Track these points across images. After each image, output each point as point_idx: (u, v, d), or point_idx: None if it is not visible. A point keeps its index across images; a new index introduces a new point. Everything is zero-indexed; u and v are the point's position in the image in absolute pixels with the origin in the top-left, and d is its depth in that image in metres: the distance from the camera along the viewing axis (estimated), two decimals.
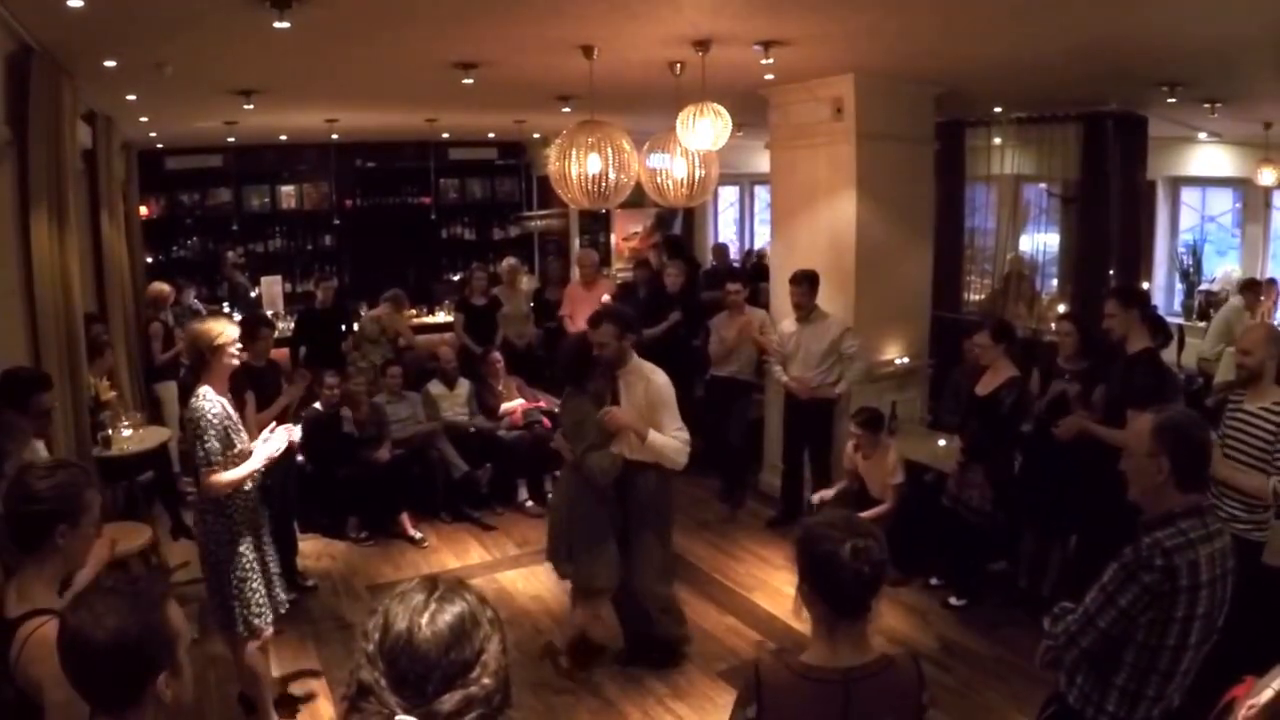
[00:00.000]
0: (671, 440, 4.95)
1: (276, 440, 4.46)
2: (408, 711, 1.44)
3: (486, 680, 1.49)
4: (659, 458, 4.97)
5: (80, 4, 4.20)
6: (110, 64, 5.70)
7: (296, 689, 5.17)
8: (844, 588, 2.25)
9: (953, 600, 6.06)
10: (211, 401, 4.29)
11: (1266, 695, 2.23)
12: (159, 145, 10.94)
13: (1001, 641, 5.56)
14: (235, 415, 4.46)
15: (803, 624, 2.44)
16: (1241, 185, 10.84)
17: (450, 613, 1.51)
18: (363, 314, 10.04)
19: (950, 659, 5.43)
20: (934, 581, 6.31)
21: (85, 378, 5.77)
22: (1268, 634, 3.35)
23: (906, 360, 7.79)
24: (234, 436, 4.37)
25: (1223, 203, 11.67)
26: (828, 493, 6.66)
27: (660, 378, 5.06)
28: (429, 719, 1.44)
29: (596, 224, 12.99)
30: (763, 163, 8.55)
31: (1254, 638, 3.15)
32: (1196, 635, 2.76)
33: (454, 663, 1.48)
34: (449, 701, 1.45)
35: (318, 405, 7.43)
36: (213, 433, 4.24)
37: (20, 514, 2.57)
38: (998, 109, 9.07)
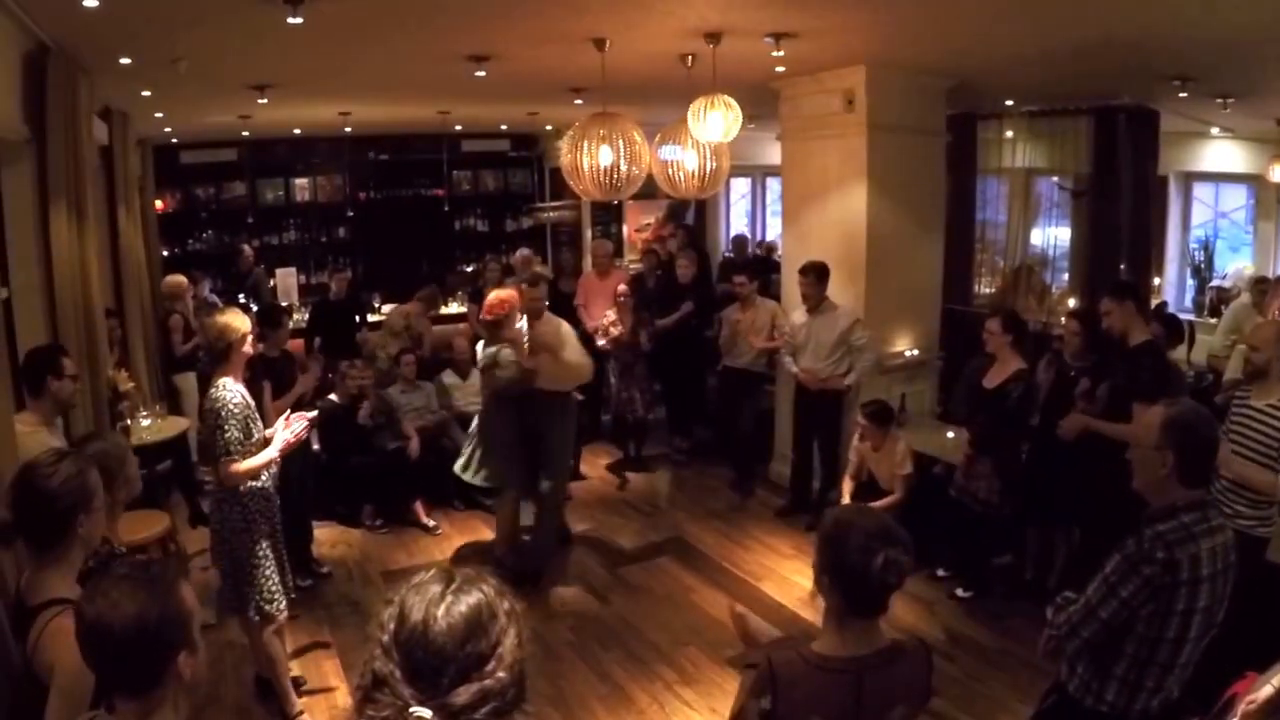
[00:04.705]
0: (577, 356, 6.43)
1: (293, 428, 4.54)
2: (422, 703, 1.42)
3: (502, 674, 1.46)
4: (571, 371, 6.38)
5: (95, 3, 4.25)
6: (126, 61, 5.76)
7: (299, 669, 5.24)
8: (867, 593, 2.27)
9: (959, 592, 6.09)
10: (232, 391, 4.39)
11: (1266, 691, 2.27)
12: (174, 140, 10.98)
13: (1007, 633, 5.59)
14: (254, 404, 4.55)
15: (814, 612, 2.49)
16: (1255, 181, 10.81)
17: (466, 604, 1.48)
18: (382, 307, 10.06)
19: (956, 649, 5.47)
20: (941, 573, 6.34)
21: (105, 370, 5.84)
22: (1270, 630, 3.38)
23: (916, 352, 7.81)
24: (253, 426, 4.46)
25: (1236, 198, 11.62)
26: (847, 485, 6.70)
27: (566, 325, 6.58)
28: (443, 712, 1.42)
29: (608, 215, 12.96)
30: (775, 155, 8.56)
31: (1256, 634, 3.17)
32: (1196, 629, 2.79)
33: (469, 655, 1.45)
34: (464, 694, 1.43)
35: (333, 396, 7.52)
36: (234, 423, 4.33)
37: (38, 517, 2.59)
38: (1009, 102, 9.05)
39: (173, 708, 2.00)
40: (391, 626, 1.48)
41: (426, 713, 1.41)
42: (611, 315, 8.42)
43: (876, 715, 2.34)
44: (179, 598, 1.96)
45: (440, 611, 1.47)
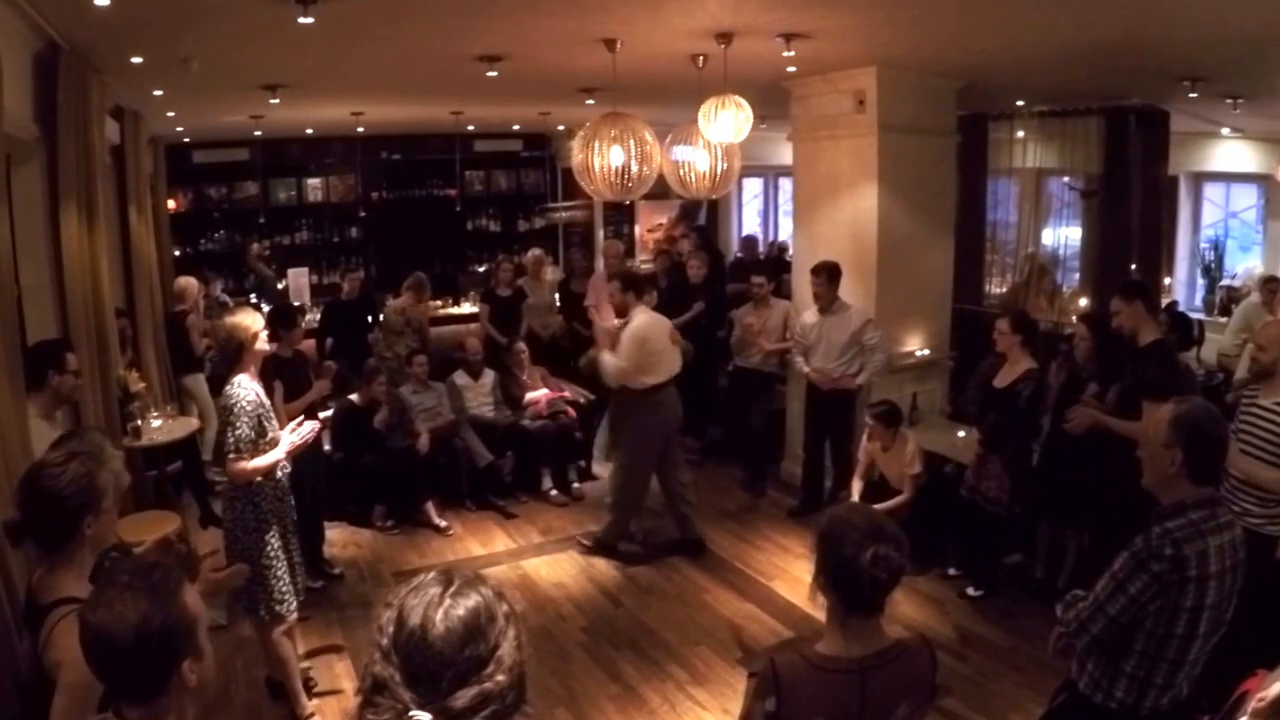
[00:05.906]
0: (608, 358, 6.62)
1: (302, 431, 4.56)
2: (422, 707, 1.42)
3: (501, 677, 1.46)
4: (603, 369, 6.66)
5: (106, 2, 4.26)
6: (137, 60, 5.78)
7: (313, 669, 5.25)
8: (859, 590, 2.27)
9: (970, 591, 6.08)
10: (246, 389, 4.42)
11: (1277, 689, 2.26)
12: (186, 139, 11.02)
13: (1017, 632, 5.58)
14: (269, 403, 4.58)
15: (820, 611, 2.48)
16: (1265, 181, 10.77)
17: (465, 607, 1.48)
18: (387, 304, 10.09)
19: (966, 648, 5.46)
20: (951, 571, 6.34)
21: (115, 369, 5.86)
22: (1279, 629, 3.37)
23: (927, 352, 7.80)
24: (266, 424, 4.49)
25: (1246, 198, 11.58)
26: (856, 485, 6.70)
27: (633, 323, 6.57)
28: (443, 715, 1.42)
29: (620, 215, 12.98)
30: (787, 155, 8.55)
31: (1266, 632, 3.17)
32: (1205, 625, 2.79)
33: (469, 659, 1.45)
34: (463, 697, 1.43)
35: (354, 397, 7.54)
36: (245, 419, 4.36)
37: (46, 517, 2.57)
38: (1020, 102, 9.04)
39: (178, 714, 1.99)
40: (390, 630, 1.49)
41: (426, 716, 1.41)
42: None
43: (881, 715, 2.33)
44: (182, 604, 1.93)
45: (439, 615, 1.47)
